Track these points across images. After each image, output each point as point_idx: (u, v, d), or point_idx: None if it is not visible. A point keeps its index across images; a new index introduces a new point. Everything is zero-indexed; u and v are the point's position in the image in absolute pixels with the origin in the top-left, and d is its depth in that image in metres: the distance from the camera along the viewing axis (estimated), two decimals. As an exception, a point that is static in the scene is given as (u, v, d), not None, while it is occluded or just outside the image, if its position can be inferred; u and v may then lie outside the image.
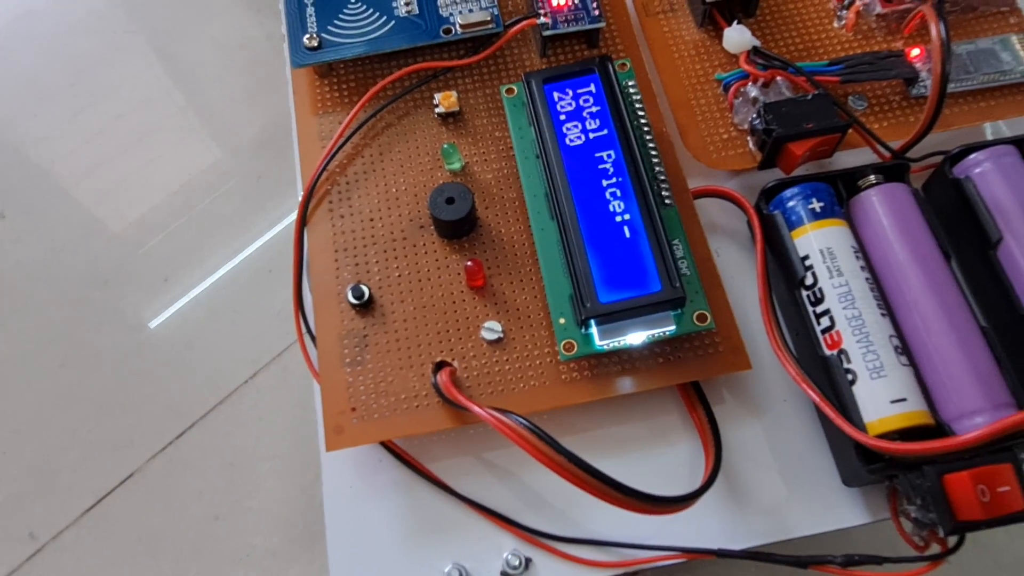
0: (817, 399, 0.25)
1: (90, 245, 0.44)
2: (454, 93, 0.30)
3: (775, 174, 0.30)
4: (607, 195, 0.26)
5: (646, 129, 0.28)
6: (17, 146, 0.47)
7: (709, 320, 0.25)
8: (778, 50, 0.32)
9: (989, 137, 0.33)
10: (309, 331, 0.28)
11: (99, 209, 0.45)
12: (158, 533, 0.35)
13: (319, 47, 0.31)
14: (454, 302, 0.28)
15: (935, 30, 0.26)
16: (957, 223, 0.29)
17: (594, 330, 0.25)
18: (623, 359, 0.26)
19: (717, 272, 0.28)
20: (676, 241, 0.26)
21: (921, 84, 0.30)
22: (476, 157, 0.30)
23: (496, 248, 0.28)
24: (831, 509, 0.26)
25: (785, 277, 0.28)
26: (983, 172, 0.28)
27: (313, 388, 0.28)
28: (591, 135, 0.27)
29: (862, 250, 0.27)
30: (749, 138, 0.30)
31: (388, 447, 0.27)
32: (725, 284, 0.28)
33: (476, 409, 0.23)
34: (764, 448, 0.27)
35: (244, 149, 0.46)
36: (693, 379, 0.26)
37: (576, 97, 0.28)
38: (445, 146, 0.29)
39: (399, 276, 0.28)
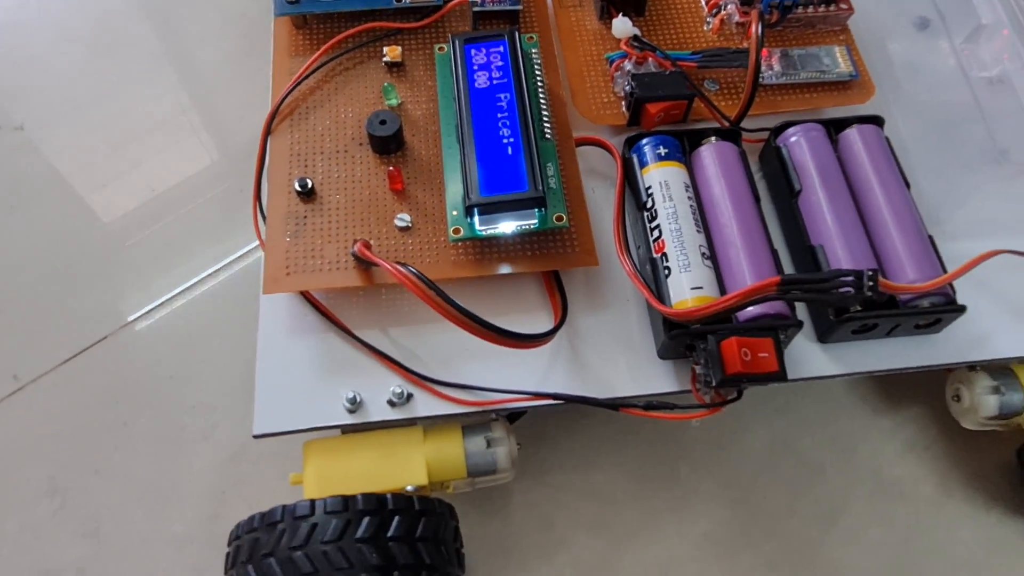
0: (636, 282, 0.32)
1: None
2: (399, 47, 0.39)
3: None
4: (499, 124, 0.34)
5: (540, 86, 0.37)
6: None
7: (564, 220, 0.33)
8: (657, 43, 0.40)
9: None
10: (262, 212, 0.36)
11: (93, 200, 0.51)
12: (121, 386, 0.43)
13: (297, 2, 0.39)
14: (378, 199, 0.35)
15: (753, 29, 0.35)
16: (776, 179, 0.37)
17: (476, 218, 0.33)
18: (500, 248, 0.34)
19: (582, 192, 0.36)
20: (549, 164, 0.35)
21: (762, 74, 0.39)
22: (411, 98, 0.38)
23: (415, 163, 0.36)
24: (649, 378, 0.33)
25: (635, 202, 0.36)
26: (795, 141, 0.37)
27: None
28: (495, 81, 0.36)
29: (694, 188, 0.35)
30: (623, 102, 0.38)
31: (311, 301, 0.34)
32: (595, 211, 0.36)
33: (381, 262, 0.31)
34: (606, 330, 0.34)
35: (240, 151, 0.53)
36: (551, 268, 0.34)
37: (488, 54, 0.36)
38: (385, 84, 0.37)
39: (338, 177, 0.36)
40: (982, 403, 0.35)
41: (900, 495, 0.40)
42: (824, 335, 0.34)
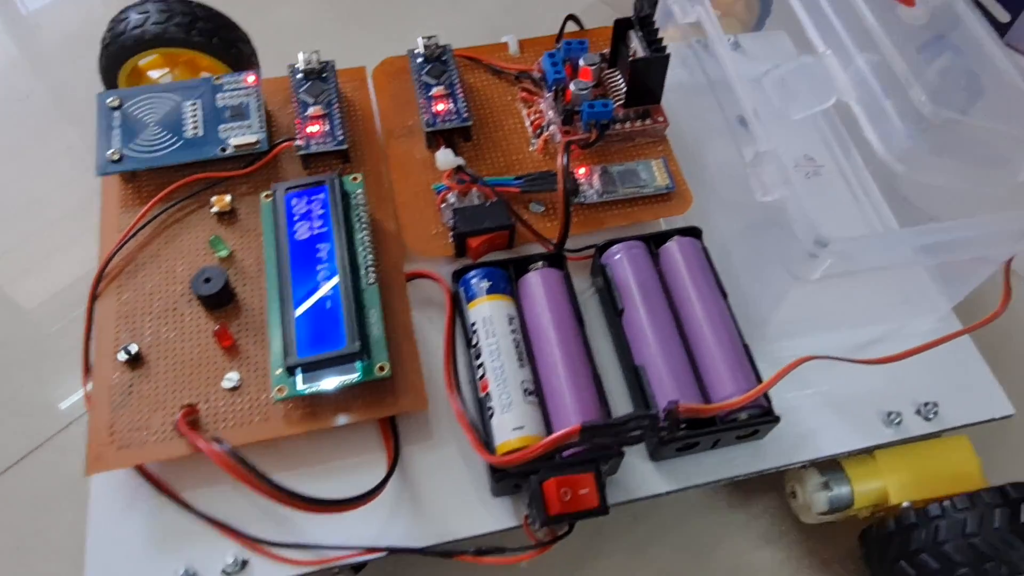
0: (465, 429, 0.33)
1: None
2: (228, 196, 0.39)
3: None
4: (318, 277, 0.35)
5: (365, 227, 0.37)
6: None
7: (387, 370, 0.34)
8: (486, 167, 0.41)
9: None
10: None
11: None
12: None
13: (120, 160, 0.39)
14: (207, 359, 0.35)
15: (559, 160, 0.36)
16: (606, 297, 0.38)
17: (298, 377, 0.33)
18: (330, 400, 0.34)
19: (413, 334, 0.36)
20: (372, 311, 0.35)
21: (582, 194, 0.40)
22: (242, 246, 0.39)
23: (247, 316, 0.37)
24: (486, 516, 0.34)
25: (465, 339, 0.36)
26: (618, 260, 0.38)
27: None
28: (315, 231, 0.36)
29: (521, 319, 0.36)
30: (450, 233, 0.39)
31: (142, 472, 0.34)
32: (431, 347, 0.37)
33: (194, 440, 0.31)
34: (444, 470, 0.35)
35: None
36: (381, 415, 0.34)
37: (310, 203, 0.37)
38: (212, 237, 0.38)
39: (166, 339, 0.36)
40: (813, 500, 0.37)
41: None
42: (653, 454, 0.35)
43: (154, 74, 0.51)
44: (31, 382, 0.48)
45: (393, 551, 0.32)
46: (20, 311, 0.52)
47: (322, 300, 0.34)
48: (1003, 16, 0.62)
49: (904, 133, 0.26)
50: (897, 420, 0.37)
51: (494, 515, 0.34)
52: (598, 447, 0.31)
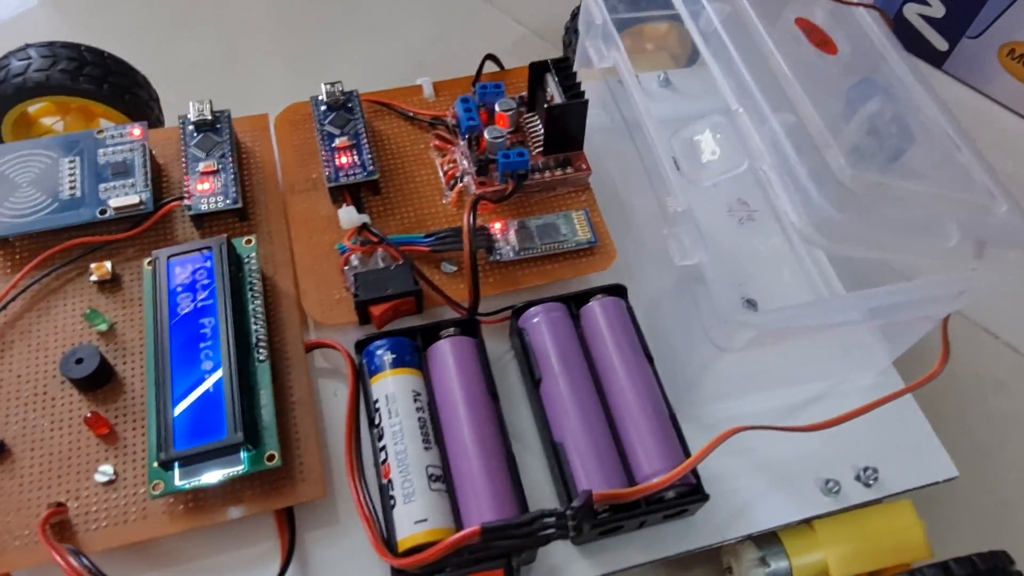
0: (365, 522, 0.30)
1: None
2: (107, 263, 0.36)
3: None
4: (201, 356, 0.31)
5: (257, 296, 0.34)
6: None
7: (276, 459, 0.30)
8: (395, 223, 0.38)
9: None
10: (-53, 479, 0.32)
11: None
12: None
13: (-12, 227, 0.35)
14: (81, 449, 0.32)
15: (464, 219, 0.34)
16: (523, 362, 0.36)
17: (176, 472, 0.30)
18: (216, 493, 0.31)
19: (313, 412, 0.33)
20: (263, 392, 0.32)
21: (498, 251, 0.37)
22: (125, 317, 0.35)
23: (127, 398, 0.33)
24: (392, 616, 0.31)
25: (367, 417, 0.33)
26: (536, 323, 0.35)
27: None
28: (199, 304, 0.33)
29: (430, 391, 0.33)
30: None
31: (4, 583, 0.30)
32: (336, 422, 0.34)
33: (51, 550, 0.27)
34: (346, 559, 0.32)
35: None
36: (275, 507, 0.31)
37: (194, 271, 0.34)
38: (88, 311, 0.34)
39: (35, 427, 0.32)
40: (750, 577, 0.34)
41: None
42: (575, 538, 0.32)
43: (47, 121, 0.47)
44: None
45: (284, 665, 0.29)
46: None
47: (204, 382, 0.31)
48: (941, 44, 0.61)
49: (822, 202, 0.24)
50: (835, 489, 0.34)
51: (402, 615, 0.31)
52: (503, 549, 0.28)
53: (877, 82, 0.35)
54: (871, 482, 0.35)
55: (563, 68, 0.38)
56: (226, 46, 0.62)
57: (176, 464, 0.30)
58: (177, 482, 0.30)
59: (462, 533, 0.27)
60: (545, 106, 0.38)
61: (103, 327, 0.35)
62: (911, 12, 0.61)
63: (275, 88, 0.58)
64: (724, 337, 0.30)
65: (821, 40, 0.32)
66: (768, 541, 0.35)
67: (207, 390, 0.31)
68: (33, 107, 0.45)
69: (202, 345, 0.32)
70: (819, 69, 0.31)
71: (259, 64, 0.61)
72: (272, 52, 0.62)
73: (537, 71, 0.39)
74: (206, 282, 0.33)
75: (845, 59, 0.32)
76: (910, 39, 0.62)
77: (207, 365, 0.31)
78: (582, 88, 0.38)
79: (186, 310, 0.33)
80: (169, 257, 0.34)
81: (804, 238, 0.25)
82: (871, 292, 0.29)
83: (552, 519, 0.26)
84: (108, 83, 0.43)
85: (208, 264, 0.34)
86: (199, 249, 0.34)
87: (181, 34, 0.62)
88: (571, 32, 0.51)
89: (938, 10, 0.59)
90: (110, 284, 0.36)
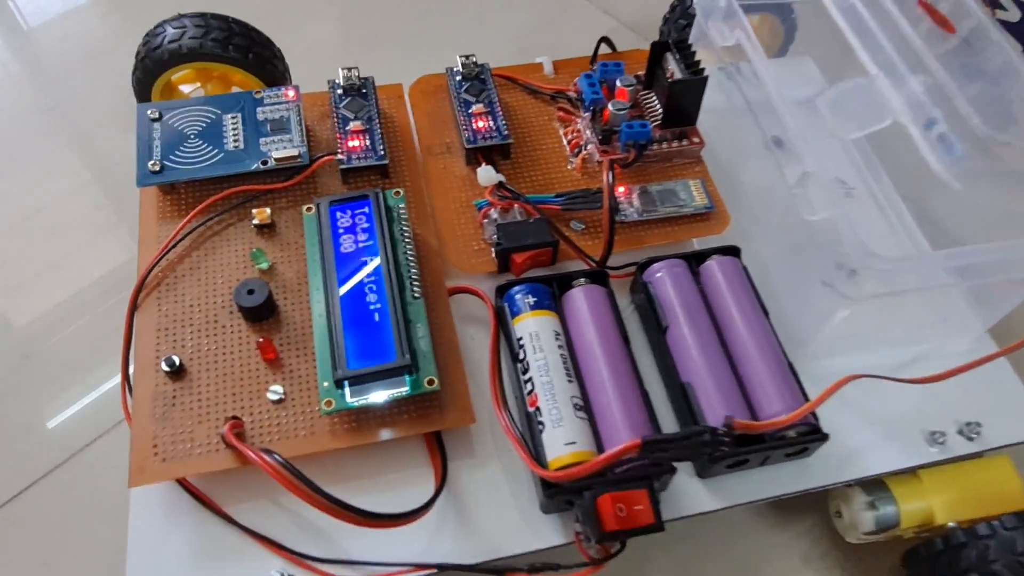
0: (515, 443, 0.33)
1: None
2: (268, 209, 0.39)
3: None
4: (366, 289, 0.34)
5: (408, 242, 0.37)
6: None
7: (436, 383, 0.33)
8: (524, 184, 0.42)
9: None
10: (130, 389, 0.35)
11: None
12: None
13: (160, 171, 0.39)
14: (251, 371, 0.35)
15: (604, 177, 0.36)
16: (648, 314, 0.38)
17: (346, 391, 0.33)
18: (377, 414, 0.34)
19: (458, 349, 0.36)
20: (419, 325, 0.35)
21: (623, 213, 0.40)
22: (283, 259, 0.38)
23: (289, 329, 0.36)
24: (535, 533, 0.33)
25: (510, 353, 0.36)
26: (660, 277, 0.38)
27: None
28: (360, 245, 0.36)
29: (565, 334, 0.36)
30: (492, 249, 0.39)
31: (184, 485, 0.33)
32: (476, 362, 0.37)
33: (245, 450, 0.30)
34: (491, 485, 0.34)
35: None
36: (428, 430, 0.34)
37: (354, 216, 0.37)
38: (254, 251, 0.37)
39: (208, 350, 0.35)
40: (859, 519, 0.37)
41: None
42: (702, 471, 0.35)
43: (186, 88, 0.51)
44: (59, 393, 0.48)
45: (443, 567, 0.32)
46: (41, 320, 0.51)
47: (371, 311, 0.34)
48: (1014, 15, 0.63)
49: (960, 154, 0.27)
50: (941, 440, 0.37)
51: (542, 532, 0.33)
52: (653, 463, 0.31)
53: (981, 65, 0.38)
54: (973, 436, 0.37)
55: (683, 48, 0.41)
56: (342, 27, 0.67)
57: (347, 383, 0.33)
58: (348, 400, 0.33)
59: (623, 445, 0.29)
60: (668, 80, 0.41)
61: (264, 266, 0.38)
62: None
63: (388, 67, 0.63)
64: (849, 286, 0.33)
65: (940, 20, 0.34)
66: (876, 487, 0.37)
67: (374, 318, 0.34)
68: (177, 74, 0.48)
69: (366, 280, 0.35)
70: (942, 44, 0.33)
71: (372, 46, 0.66)
72: (383, 35, 0.67)
73: (657, 51, 0.42)
74: (365, 225, 0.36)
75: (962, 36, 0.34)
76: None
77: (371, 297, 0.34)
78: (701, 66, 0.41)
79: (348, 249, 0.36)
80: (331, 203, 0.37)
81: (946, 184, 0.28)
82: (986, 245, 0.31)
83: (705, 435, 0.29)
84: (253, 53, 0.46)
85: (367, 210, 0.37)
86: (358, 197, 0.37)
87: (301, 15, 0.68)
88: (670, 23, 0.54)
89: (1014, 14, 0.61)
90: (268, 229, 0.39)
